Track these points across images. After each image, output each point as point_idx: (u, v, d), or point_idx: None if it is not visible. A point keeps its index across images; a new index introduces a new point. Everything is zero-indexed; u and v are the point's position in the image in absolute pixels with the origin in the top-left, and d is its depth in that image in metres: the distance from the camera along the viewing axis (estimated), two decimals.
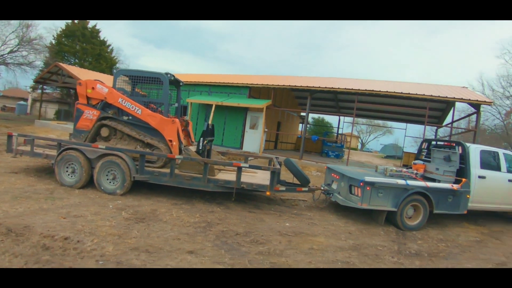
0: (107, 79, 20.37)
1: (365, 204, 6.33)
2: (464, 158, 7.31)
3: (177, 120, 6.89)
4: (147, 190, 6.94)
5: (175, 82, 7.69)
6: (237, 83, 17.16)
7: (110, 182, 6.46)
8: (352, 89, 14.72)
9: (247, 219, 5.98)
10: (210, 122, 15.87)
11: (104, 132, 7.20)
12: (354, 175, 6.78)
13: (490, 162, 7.56)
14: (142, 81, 7.30)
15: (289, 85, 15.86)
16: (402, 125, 22.36)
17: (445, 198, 6.79)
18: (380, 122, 44.25)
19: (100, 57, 34.61)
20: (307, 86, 15.43)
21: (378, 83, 17.95)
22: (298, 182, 7.41)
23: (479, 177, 7.24)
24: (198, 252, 4.15)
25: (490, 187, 7.40)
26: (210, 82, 18.04)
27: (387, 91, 14.15)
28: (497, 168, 7.61)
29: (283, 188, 6.87)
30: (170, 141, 6.82)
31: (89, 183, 6.62)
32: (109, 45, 36.69)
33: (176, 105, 7.86)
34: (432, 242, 6.08)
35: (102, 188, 6.40)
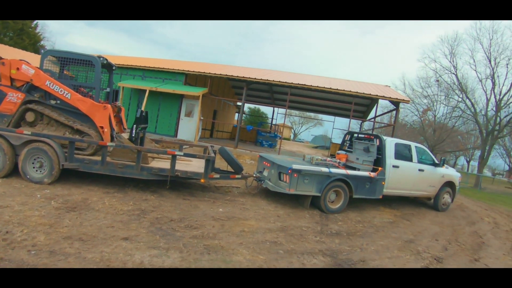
0: (31, 57, 18.60)
1: (292, 190, 6.82)
2: (381, 150, 8.19)
3: (109, 105, 6.65)
4: (76, 178, 6.65)
5: (107, 66, 7.40)
6: (173, 69, 16.82)
7: (36, 171, 6.07)
8: (286, 82, 15.40)
9: (182, 206, 6.11)
10: (143, 108, 15.40)
11: (30, 116, 6.67)
12: (283, 163, 7.23)
13: (403, 154, 8.56)
14: (72, 63, 6.88)
15: (226, 75, 16.04)
16: (331, 117, 23.92)
17: (363, 185, 7.58)
18: (312, 114, 46.58)
19: (23, 33, 31.32)
20: (243, 77, 15.73)
21: (311, 77, 18.93)
22: (232, 170, 7.68)
23: (393, 166, 8.18)
24: (133, 238, 4.22)
25: (402, 175, 8.40)
26: (145, 67, 17.39)
27: (317, 86, 15.07)
28: (410, 159, 8.64)
29: (217, 176, 7.10)
30: (102, 127, 6.56)
31: (14, 171, 6.15)
32: (33, 20, 33.34)
33: (108, 89, 7.58)
34: (351, 223, 6.80)
35: (28, 176, 5.99)
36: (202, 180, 6.84)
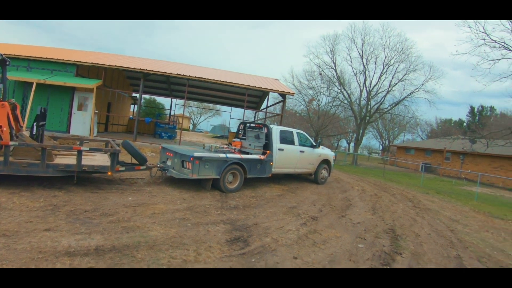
0: None
1: (195, 175, 7.70)
2: (268, 136, 9.60)
3: (6, 103, 6.47)
4: None
5: (1, 61, 7.08)
6: (63, 60, 15.74)
7: None
8: (183, 75, 16.02)
9: (92, 198, 6.43)
10: (30, 102, 14.32)
11: None
12: (186, 152, 8.03)
13: (287, 138, 10.13)
14: None
15: (122, 66, 15.82)
16: (228, 108, 25.24)
17: (255, 166, 8.88)
18: (210, 105, 47.59)
19: None
20: (140, 69, 15.78)
21: (208, 70, 19.87)
22: (136, 162, 8.15)
23: (279, 149, 9.67)
24: (55, 229, 4.58)
25: (287, 156, 9.97)
26: (30, 56, 15.82)
27: (214, 79, 16.10)
28: (292, 142, 10.26)
29: (123, 168, 7.49)
30: (0, 127, 6.40)
31: None
32: None
33: (1, 86, 7.27)
34: (247, 199, 8.00)
35: None
36: (109, 173, 7.15)
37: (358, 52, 31.76)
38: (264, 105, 23.20)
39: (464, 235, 7.53)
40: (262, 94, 21.22)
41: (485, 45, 19.57)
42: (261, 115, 31.98)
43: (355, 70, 32.64)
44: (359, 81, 32.70)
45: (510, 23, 18.47)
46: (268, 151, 9.35)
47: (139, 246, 4.35)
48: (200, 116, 76.38)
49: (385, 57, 31.08)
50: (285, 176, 11.61)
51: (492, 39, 19.32)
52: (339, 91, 32.87)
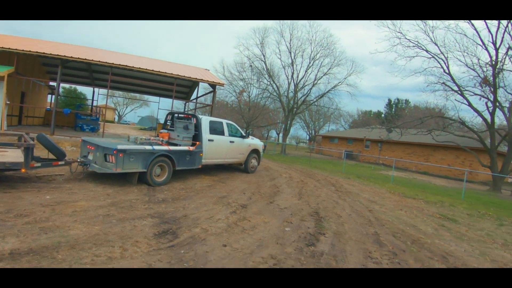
0: None
1: (119, 169, 7.33)
2: (197, 127, 9.48)
3: None
4: None
5: None
6: None
7: None
8: (106, 62, 15.00)
9: (4, 199, 5.78)
10: None
11: None
12: (108, 144, 7.60)
13: (216, 129, 10.12)
14: None
15: (38, 52, 14.20)
16: (157, 98, 24.35)
17: (184, 158, 8.74)
18: (137, 95, 45.48)
19: None
20: (58, 55, 14.39)
21: (133, 58, 18.88)
22: (54, 157, 7.51)
23: (209, 140, 9.62)
24: None
25: (217, 147, 9.97)
26: None
27: (140, 68, 15.36)
28: (222, 133, 10.28)
29: (39, 164, 6.86)
30: None
31: None
32: None
33: None
34: (176, 191, 7.85)
35: None
36: (22, 170, 6.50)
37: (287, 45, 32.81)
38: (194, 96, 22.85)
39: (380, 214, 8.27)
40: (192, 84, 20.85)
41: (400, 45, 21.64)
42: (191, 105, 31.52)
43: (284, 63, 33.74)
44: (287, 74, 33.87)
45: (424, 24, 20.57)
46: (197, 142, 9.24)
47: (59, 246, 4.03)
48: (126, 107, 72.56)
49: (312, 52, 32.59)
50: (215, 167, 11.61)
51: (407, 39, 21.35)
52: (268, 83, 33.70)
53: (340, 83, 32.67)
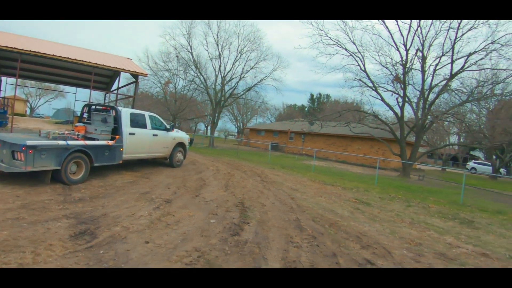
0: None
1: (29, 167, 6.66)
2: (117, 119, 8.98)
3: None
4: None
5: None
6: None
7: None
8: (14, 47, 13.29)
9: None
10: None
11: None
12: (16, 140, 6.85)
13: (138, 122, 9.69)
14: None
15: None
16: (73, 89, 22.41)
17: (102, 153, 8.23)
18: (52, 85, 41.50)
19: None
20: None
21: (46, 43, 17.06)
22: None
23: (130, 134, 9.18)
24: None
25: (139, 141, 9.56)
26: None
27: (53, 54, 13.94)
28: (144, 126, 9.88)
29: None
30: None
31: None
32: None
33: None
34: (94, 189, 7.38)
35: None
36: None
37: (214, 37, 32.41)
38: (115, 87, 21.52)
39: (302, 201, 8.72)
40: (112, 74, 19.55)
41: (322, 42, 22.87)
42: (112, 97, 29.64)
43: (211, 55, 33.31)
44: (214, 66, 33.53)
45: (344, 24, 21.92)
46: (117, 136, 8.76)
47: None
48: (40, 99, 65.73)
49: (239, 45, 32.65)
50: (138, 162, 11.13)
51: (328, 37, 22.62)
52: (195, 75, 33.04)
53: (266, 78, 33.33)
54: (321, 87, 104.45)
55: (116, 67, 15.67)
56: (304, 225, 6.43)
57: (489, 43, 18.36)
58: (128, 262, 3.90)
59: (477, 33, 21.04)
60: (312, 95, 72.88)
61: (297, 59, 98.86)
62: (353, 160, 30.22)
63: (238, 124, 61.18)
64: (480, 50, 18.80)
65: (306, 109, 70.30)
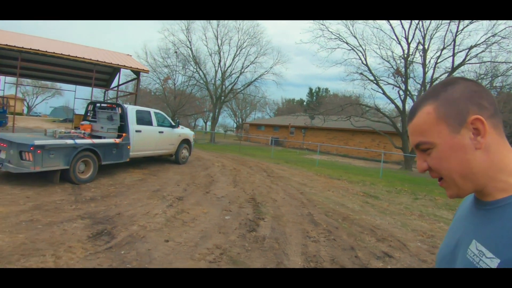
0: None
1: (38, 167, 6.57)
2: (123, 117, 8.89)
3: None
4: None
5: None
6: None
7: None
8: (14, 46, 13.11)
9: None
10: None
11: None
12: (24, 140, 6.75)
13: (144, 119, 9.60)
14: None
15: None
16: (72, 87, 22.22)
17: (110, 151, 8.16)
18: (48, 83, 41.16)
19: None
20: None
21: (46, 41, 16.86)
22: None
23: (136, 131, 9.11)
24: None
25: (145, 138, 9.49)
26: None
27: (54, 52, 13.77)
28: (150, 123, 9.80)
29: None
30: None
31: None
32: None
33: None
34: (104, 188, 7.32)
35: None
36: None
37: (213, 32, 32.34)
38: (115, 84, 21.38)
39: (312, 196, 8.69)
40: (112, 71, 19.37)
41: (323, 37, 22.78)
42: (111, 94, 29.46)
43: (211, 50, 33.23)
44: (214, 62, 33.43)
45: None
46: (124, 134, 8.68)
47: None
48: (37, 97, 65.13)
49: (239, 40, 32.53)
50: (144, 160, 11.08)
51: (329, 31, 22.50)
52: (194, 70, 32.87)
53: (266, 72, 33.23)
54: (320, 81, 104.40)
55: (118, 64, 15.53)
56: (318, 220, 6.41)
57: (490, 36, 18.32)
58: (151, 262, 3.86)
59: (478, 26, 20.79)
60: (311, 89, 72.81)
61: (296, 53, 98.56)
62: (354, 153, 30.22)
63: (237, 119, 61.03)
64: (481, 43, 18.76)
65: (304, 103, 70.15)
